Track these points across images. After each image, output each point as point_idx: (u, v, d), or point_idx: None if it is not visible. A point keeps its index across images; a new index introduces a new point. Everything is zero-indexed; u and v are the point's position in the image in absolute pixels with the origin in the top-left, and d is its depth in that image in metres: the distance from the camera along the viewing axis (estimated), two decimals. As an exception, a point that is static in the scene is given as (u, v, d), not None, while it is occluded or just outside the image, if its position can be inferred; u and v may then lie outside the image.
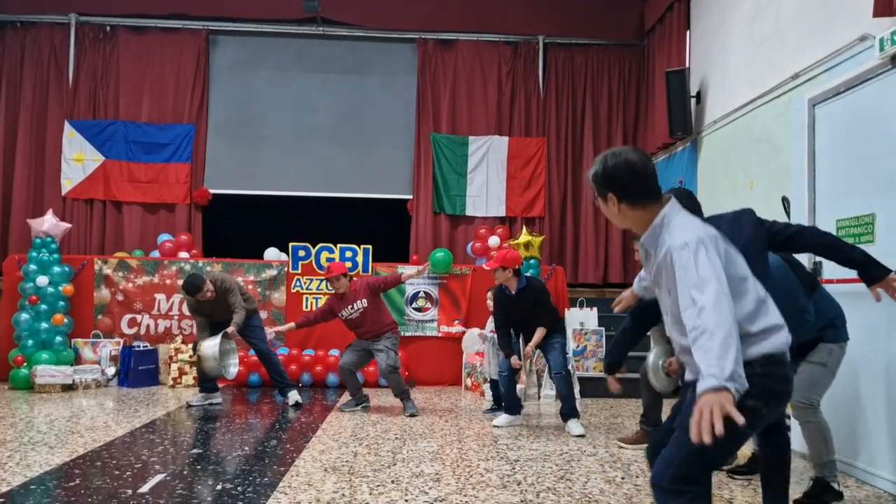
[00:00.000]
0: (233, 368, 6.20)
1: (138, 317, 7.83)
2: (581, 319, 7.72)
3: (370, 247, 8.07)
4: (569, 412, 5.43)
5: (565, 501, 3.59)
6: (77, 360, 7.38)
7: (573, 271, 9.25)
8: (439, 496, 3.63)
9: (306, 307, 7.86)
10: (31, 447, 4.54)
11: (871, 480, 3.99)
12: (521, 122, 9.39)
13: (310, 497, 3.57)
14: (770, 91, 5.74)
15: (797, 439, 4.49)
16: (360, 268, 7.97)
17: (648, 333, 4.64)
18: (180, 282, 7.80)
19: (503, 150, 9.30)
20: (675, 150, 7.99)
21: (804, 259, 4.63)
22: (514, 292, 5.57)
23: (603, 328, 7.57)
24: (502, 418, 5.62)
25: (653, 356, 4.65)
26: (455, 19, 9.32)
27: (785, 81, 5.48)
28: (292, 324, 6.47)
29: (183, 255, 8.19)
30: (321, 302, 7.91)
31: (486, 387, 6.56)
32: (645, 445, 4.81)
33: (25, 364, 7.05)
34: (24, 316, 7.15)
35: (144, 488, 3.68)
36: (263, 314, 6.74)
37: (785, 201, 5.22)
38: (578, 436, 5.21)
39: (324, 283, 7.60)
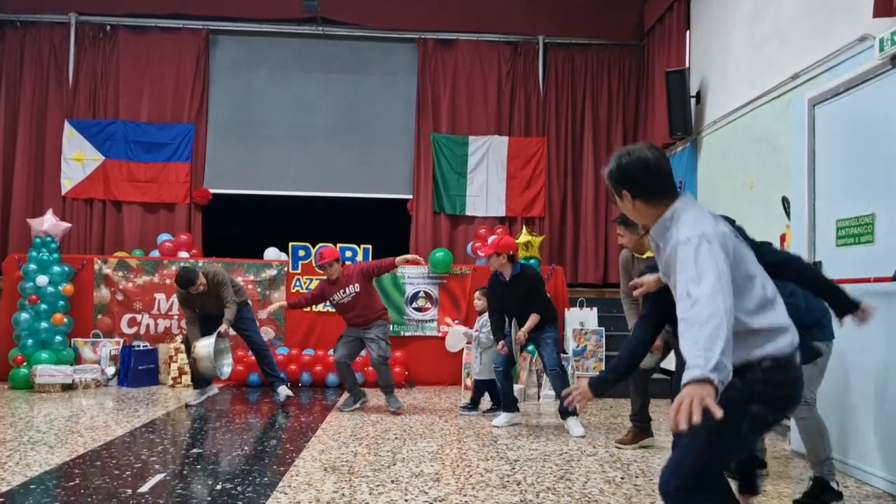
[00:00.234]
0: (226, 368, 6.22)
1: (138, 316, 7.83)
2: (581, 319, 7.72)
3: (370, 246, 8.07)
4: (567, 410, 5.41)
5: (565, 501, 3.59)
6: (77, 359, 7.38)
7: (573, 271, 9.25)
8: (439, 496, 3.63)
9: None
10: (30, 447, 4.54)
11: (869, 479, 3.99)
12: (520, 121, 9.39)
13: (309, 497, 3.57)
14: (770, 91, 5.74)
15: (794, 438, 4.49)
16: (359, 267, 7.96)
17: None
18: (180, 281, 7.84)
19: (503, 150, 9.30)
20: (675, 150, 7.99)
21: (804, 257, 4.63)
22: (508, 279, 5.58)
23: (603, 328, 7.57)
24: (501, 417, 5.62)
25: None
26: (455, 19, 9.32)
27: (785, 81, 5.48)
28: (284, 302, 6.45)
29: (183, 254, 8.18)
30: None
31: (476, 382, 6.52)
32: (642, 443, 4.89)
33: (25, 363, 7.05)
34: (24, 315, 7.15)
35: (144, 488, 3.68)
36: (263, 314, 6.73)
37: (785, 201, 5.22)
38: (579, 436, 5.20)
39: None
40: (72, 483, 3.76)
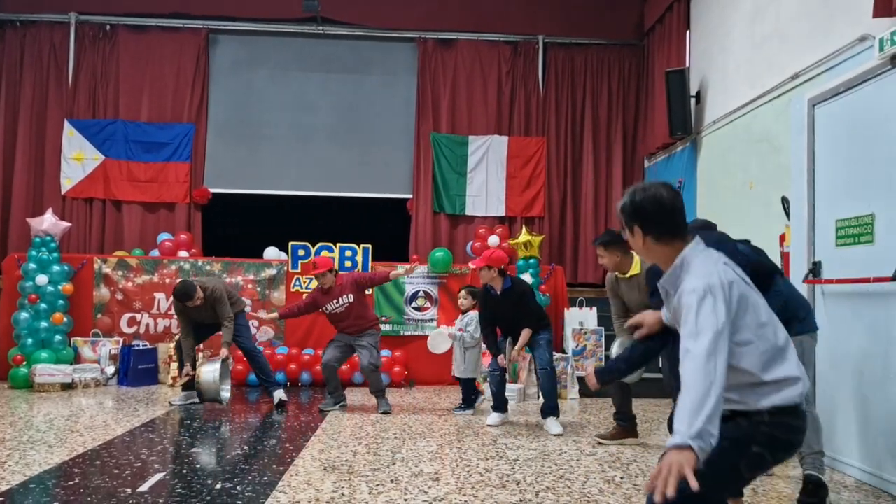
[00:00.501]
0: (225, 394, 6.19)
1: (138, 316, 7.84)
2: (580, 319, 7.72)
3: (370, 246, 8.08)
4: (549, 410, 5.45)
5: (564, 501, 3.59)
6: (76, 359, 7.38)
7: (573, 271, 9.25)
8: (438, 496, 3.63)
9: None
10: (30, 446, 4.54)
11: (845, 469, 3.99)
12: (520, 121, 9.39)
13: (309, 496, 3.57)
14: (770, 91, 5.74)
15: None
16: (359, 267, 7.97)
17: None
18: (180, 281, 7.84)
19: (503, 150, 9.30)
20: (675, 150, 8.00)
21: (804, 258, 4.63)
22: (499, 292, 5.60)
23: (602, 328, 7.57)
24: (494, 417, 5.68)
25: (617, 346, 4.79)
26: (455, 19, 9.32)
27: (785, 81, 5.49)
28: (275, 313, 6.44)
29: (182, 254, 8.18)
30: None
31: (461, 381, 6.53)
32: (623, 440, 4.94)
33: (25, 363, 7.05)
34: (24, 315, 7.15)
35: (144, 487, 3.68)
36: (263, 313, 6.72)
37: (784, 201, 5.23)
38: (556, 435, 5.24)
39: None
40: (71, 482, 3.76)
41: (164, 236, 8.53)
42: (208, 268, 7.93)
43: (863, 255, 4.09)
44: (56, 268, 7.34)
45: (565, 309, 8.08)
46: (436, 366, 7.80)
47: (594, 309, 7.76)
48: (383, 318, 7.95)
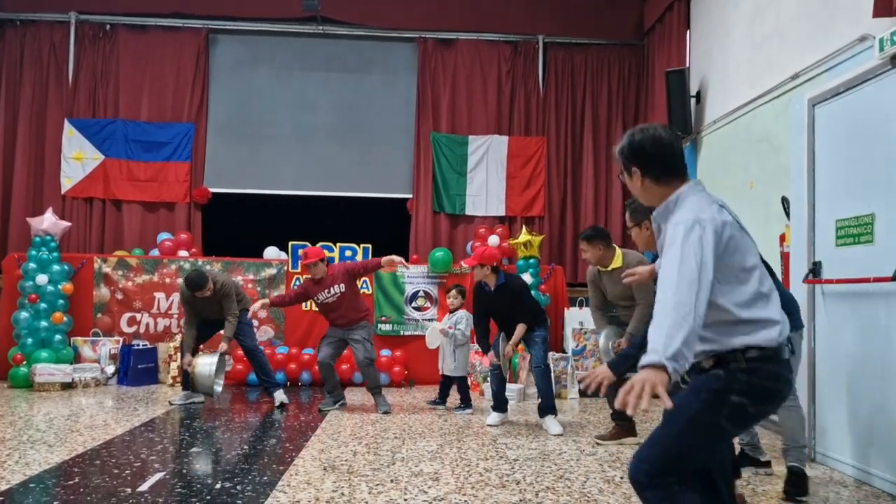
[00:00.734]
0: (217, 388, 6.22)
1: (138, 315, 7.84)
2: (580, 319, 7.72)
3: (370, 246, 8.08)
4: (546, 408, 5.44)
5: (564, 501, 3.59)
6: (76, 358, 7.38)
7: (573, 271, 9.25)
8: (438, 495, 3.63)
9: (305, 306, 7.85)
10: (30, 445, 4.54)
11: (837, 466, 4.00)
12: (520, 121, 9.38)
13: (309, 496, 3.58)
14: (770, 91, 5.74)
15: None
16: (359, 267, 7.97)
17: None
18: (180, 280, 7.83)
19: (503, 150, 9.29)
20: (675, 149, 7.98)
21: (804, 258, 4.63)
22: (492, 289, 5.60)
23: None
24: (494, 416, 5.68)
25: (603, 339, 4.84)
26: (455, 18, 9.31)
27: (785, 81, 5.48)
28: (266, 300, 6.36)
29: (182, 253, 8.18)
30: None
31: (444, 377, 6.57)
32: (622, 440, 4.97)
33: (25, 362, 7.05)
34: (24, 314, 7.15)
35: (143, 487, 3.69)
36: (263, 313, 6.73)
37: (784, 201, 5.23)
38: (556, 435, 5.23)
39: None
40: (71, 482, 3.76)
41: (164, 236, 8.53)
42: (208, 267, 7.92)
43: (863, 255, 4.10)
44: (56, 267, 7.34)
45: (565, 309, 8.09)
46: (436, 365, 7.78)
47: (594, 309, 7.75)
48: (383, 318, 7.96)
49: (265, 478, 3.92)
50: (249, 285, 7.84)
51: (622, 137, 2.23)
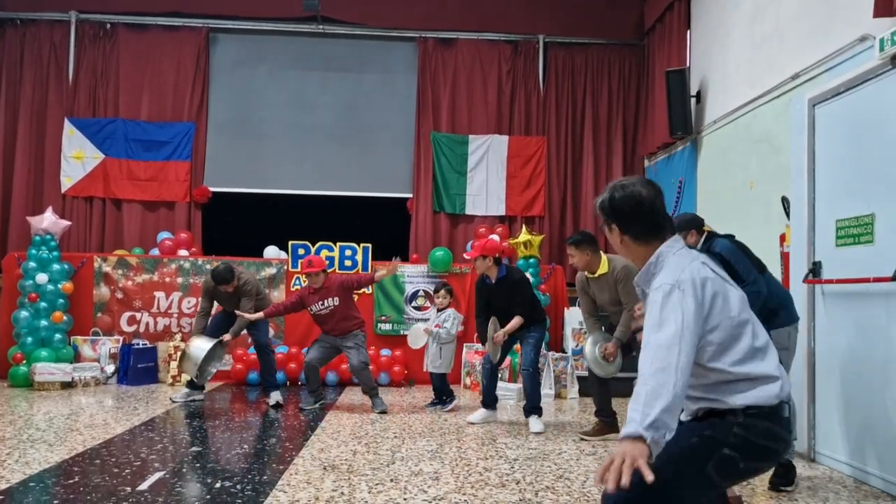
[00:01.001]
0: (207, 376, 6.24)
1: (138, 314, 7.84)
2: (580, 319, 7.68)
3: (370, 245, 8.07)
4: (531, 409, 5.48)
5: (564, 500, 3.59)
6: (76, 357, 7.38)
7: (573, 270, 9.21)
8: (438, 495, 3.63)
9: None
10: (30, 444, 4.54)
11: (836, 466, 4.00)
12: (520, 121, 9.38)
13: (309, 495, 3.58)
14: (770, 91, 5.74)
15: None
16: (359, 266, 7.98)
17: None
18: (179, 280, 7.86)
19: (503, 149, 9.29)
20: (675, 149, 8.00)
21: (804, 258, 4.63)
22: (493, 281, 5.60)
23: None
24: (478, 414, 5.69)
25: (589, 345, 4.91)
26: (455, 18, 9.31)
27: (785, 81, 5.48)
28: (260, 314, 6.25)
29: (182, 252, 8.18)
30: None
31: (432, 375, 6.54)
32: (606, 436, 5.02)
33: (25, 361, 7.05)
34: (24, 313, 7.15)
35: (143, 486, 3.68)
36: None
37: (784, 201, 5.23)
38: (537, 433, 5.27)
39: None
40: (71, 481, 3.76)
41: (164, 235, 8.53)
42: (208, 266, 7.92)
43: (863, 255, 4.10)
44: (56, 266, 7.34)
45: (565, 308, 8.09)
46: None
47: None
48: (382, 317, 7.96)
49: (265, 477, 3.92)
50: (249, 285, 7.83)
51: (604, 189, 2.19)
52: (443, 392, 6.33)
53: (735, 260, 3.77)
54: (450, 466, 4.24)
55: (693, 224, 4.10)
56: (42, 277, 7.20)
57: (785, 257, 5.15)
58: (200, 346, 6.01)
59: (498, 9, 9.32)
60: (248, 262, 7.97)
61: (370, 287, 7.90)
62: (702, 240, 4.07)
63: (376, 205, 9.41)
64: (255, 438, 5.02)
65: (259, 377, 6.59)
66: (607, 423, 5.15)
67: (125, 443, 4.71)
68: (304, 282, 7.89)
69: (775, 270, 5.10)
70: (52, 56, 8.99)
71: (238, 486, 3.72)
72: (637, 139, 9.38)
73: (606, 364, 4.98)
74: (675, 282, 1.95)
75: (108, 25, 9.06)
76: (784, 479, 3.81)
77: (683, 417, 2.15)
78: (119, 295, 7.81)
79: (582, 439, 5.11)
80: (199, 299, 6.59)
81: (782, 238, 5.28)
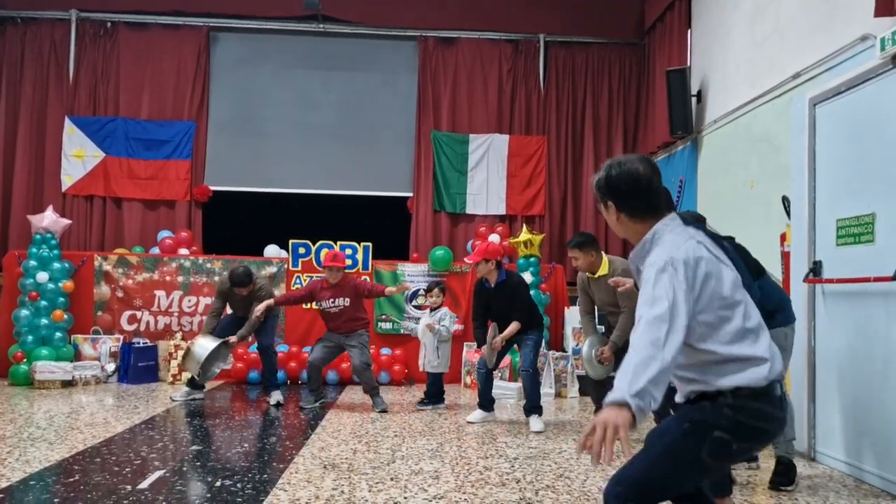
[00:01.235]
0: (209, 375, 6.24)
1: (138, 313, 7.84)
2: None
3: (370, 244, 8.08)
4: (531, 409, 5.50)
5: (564, 499, 3.59)
6: (77, 356, 7.39)
7: (573, 270, 9.19)
8: (438, 493, 3.64)
9: (306, 305, 7.87)
10: (30, 443, 4.54)
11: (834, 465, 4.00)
12: (521, 120, 9.38)
13: (309, 494, 3.58)
14: (771, 90, 5.74)
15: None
16: (359, 265, 7.98)
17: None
18: (180, 278, 7.86)
19: (503, 149, 9.29)
20: (676, 149, 7.99)
21: (804, 257, 4.63)
22: (493, 285, 5.61)
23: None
24: (476, 414, 5.70)
25: (586, 347, 4.94)
26: (456, 17, 9.31)
27: (786, 81, 5.48)
28: (270, 300, 6.26)
29: (183, 251, 8.19)
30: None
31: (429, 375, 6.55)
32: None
33: (25, 360, 7.05)
34: (24, 312, 7.15)
35: (144, 484, 3.69)
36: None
37: (785, 201, 5.22)
38: (537, 432, 5.28)
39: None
40: (71, 479, 3.76)
41: (164, 234, 8.53)
42: (209, 265, 7.93)
43: (863, 255, 4.10)
44: (56, 265, 7.34)
45: (565, 308, 8.09)
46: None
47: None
48: (383, 316, 7.96)
49: (265, 476, 3.92)
50: (250, 283, 7.84)
51: (601, 168, 2.17)
52: (436, 392, 6.35)
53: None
54: (450, 465, 4.24)
55: (695, 222, 4.11)
56: (42, 276, 7.20)
57: (785, 257, 5.15)
58: (204, 344, 6.01)
59: (498, 8, 9.31)
60: (248, 261, 7.96)
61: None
62: None
63: (377, 204, 9.41)
64: (256, 437, 5.03)
65: (260, 377, 6.59)
66: None
67: (125, 441, 4.71)
68: (305, 279, 7.92)
69: (776, 270, 5.10)
70: (53, 54, 8.98)
71: (238, 485, 3.72)
72: (637, 138, 9.37)
73: (599, 366, 5.02)
74: (668, 259, 1.95)
75: (109, 24, 9.06)
76: (784, 478, 3.82)
77: (678, 399, 2.17)
78: (119, 294, 7.81)
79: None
80: (213, 299, 6.56)
81: (783, 237, 5.28)
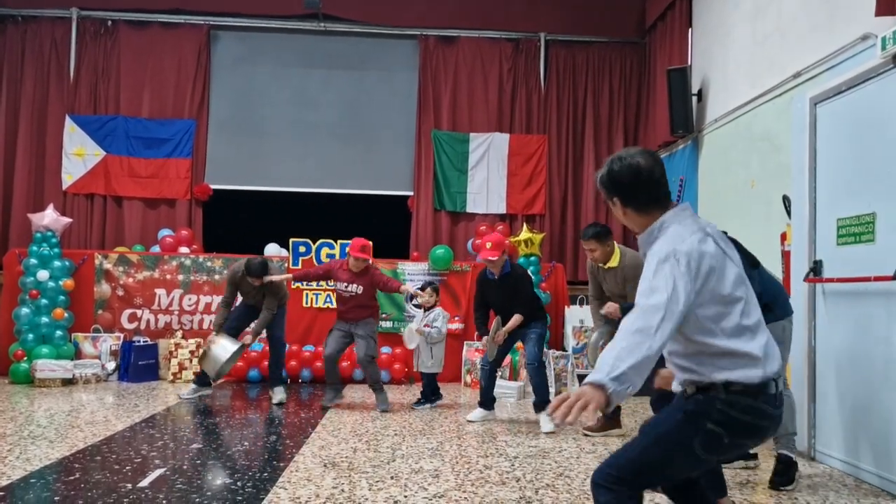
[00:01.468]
0: (221, 373, 6.26)
1: (138, 312, 7.85)
2: (581, 317, 7.72)
3: (370, 243, 8.05)
4: (540, 405, 5.46)
5: (564, 498, 3.59)
6: (77, 354, 7.39)
7: (573, 269, 9.25)
8: (438, 492, 3.64)
9: (306, 304, 7.88)
10: (30, 441, 4.55)
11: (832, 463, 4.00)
12: (521, 119, 9.38)
13: (309, 492, 3.58)
14: (771, 90, 5.74)
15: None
16: (360, 264, 7.97)
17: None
18: (180, 277, 7.87)
19: (504, 148, 9.29)
20: (677, 148, 7.99)
21: (805, 256, 4.64)
22: (497, 277, 5.60)
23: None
24: (476, 412, 5.70)
25: (595, 335, 4.94)
26: (456, 16, 9.31)
27: (786, 80, 5.48)
28: (289, 275, 6.44)
29: (183, 250, 8.19)
30: (321, 298, 7.95)
31: (424, 375, 6.54)
32: (608, 432, 5.09)
33: (26, 358, 7.06)
34: (25, 310, 7.16)
35: (144, 483, 3.69)
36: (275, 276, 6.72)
37: (786, 200, 5.22)
38: (548, 433, 5.25)
39: (322, 282, 7.56)
40: (72, 477, 3.77)
41: (164, 232, 8.53)
42: (209, 264, 7.94)
43: (864, 254, 4.10)
44: (57, 263, 7.35)
45: (566, 307, 8.09)
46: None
47: (594, 307, 7.75)
48: (383, 316, 7.96)
49: (265, 474, 3.93)
50: (250, 282, 7.84)
51: (604, 164, 2.18)
52: (431, 392, 6.35)
53: None
54: (450, 464, 4.24)
55: None
56: (43, 274, 7.20)
57: (786, 256, 5.15)
58: (226, 346, 6.03)
59: (499, 7, 9.31)
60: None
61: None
62: None
63: (377, 202, 9.40)
64: (256, 435, 5.03)
65: (267, 371, 6.62)
66: (610, 418, 5.17)
67: (126, 439, 4.71)
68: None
69: (776, 269, 5.10)
70: (54, 53, 8.98)
71: (239, 483, 3.73)
72: (638, 137, 9.36)
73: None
74: (671, 251, 1.96)
75: (110, 22, 9.06)
76: (784, 477, 3.82)
77: (675, 388, 2.20)
78: (120, 292, 7.81)
79: (585, 434, 5.14)
80: (226, 288, 6.47)
81: (783, 237, 5.28)
